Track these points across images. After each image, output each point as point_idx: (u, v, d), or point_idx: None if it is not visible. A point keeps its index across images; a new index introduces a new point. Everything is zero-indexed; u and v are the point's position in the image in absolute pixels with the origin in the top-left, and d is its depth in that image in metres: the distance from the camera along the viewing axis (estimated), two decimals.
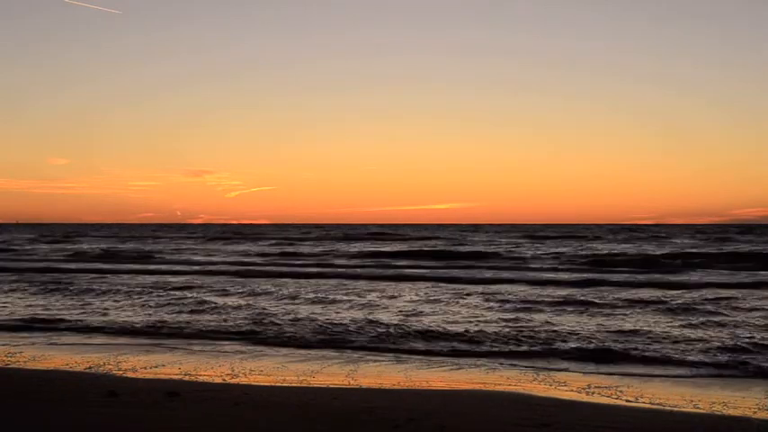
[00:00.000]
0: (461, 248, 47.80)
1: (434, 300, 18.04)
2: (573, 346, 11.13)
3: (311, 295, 18.72)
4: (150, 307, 16.54)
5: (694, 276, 25.63)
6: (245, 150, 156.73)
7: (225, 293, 19.48)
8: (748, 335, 12.05)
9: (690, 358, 10.21)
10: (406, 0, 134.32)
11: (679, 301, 16.92)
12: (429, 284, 22.69)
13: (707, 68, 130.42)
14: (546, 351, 10.87)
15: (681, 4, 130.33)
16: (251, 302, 17.22)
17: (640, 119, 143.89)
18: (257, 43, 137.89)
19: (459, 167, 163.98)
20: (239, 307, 16.06)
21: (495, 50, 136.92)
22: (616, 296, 18.55)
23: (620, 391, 8.24)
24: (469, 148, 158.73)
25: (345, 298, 18.18)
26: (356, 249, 48.01)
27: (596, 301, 17.37)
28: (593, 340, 11.65)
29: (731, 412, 7.27)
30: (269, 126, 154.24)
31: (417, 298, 18.54)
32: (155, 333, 12.96)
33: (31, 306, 16.85)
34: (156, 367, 9.69)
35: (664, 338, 11.77)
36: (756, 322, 13.60)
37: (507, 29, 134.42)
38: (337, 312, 15.42)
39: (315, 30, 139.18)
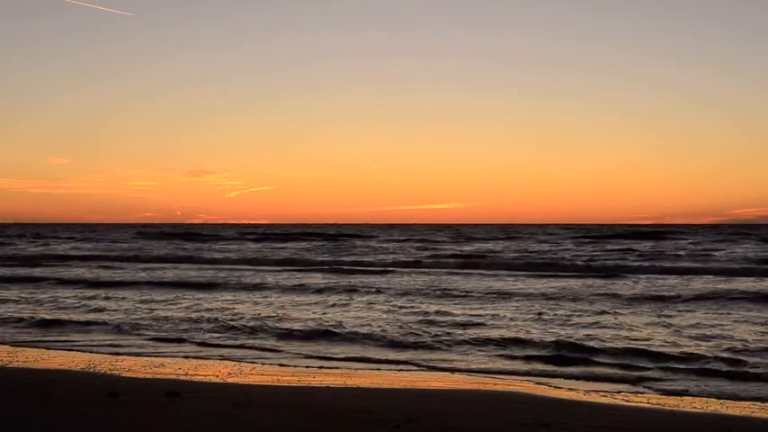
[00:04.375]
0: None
1: None
2: None
3: None
4: None
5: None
6: (245, 150, 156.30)
7: None
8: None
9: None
10: (407, 1, 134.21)
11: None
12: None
13: (706, 69, 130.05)
14: None
15: (681, 4, 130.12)
16: None
17: (640, 119, 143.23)
18: (257, 43, 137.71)
19: (459, 167, 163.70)
20: None
21: (496, 51, 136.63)
22: None
23: (620, 391, 8.24)
24: (469, 148, 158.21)
25: None
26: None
27: None
28: None
29: (731, 412, 7.28)
30: (269, 126, 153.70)
31: None
32: None
33: None
34: (155, 367, 9.69)
35: None
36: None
37: (508, 30, 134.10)
38: None
39: (315, 30, 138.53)
